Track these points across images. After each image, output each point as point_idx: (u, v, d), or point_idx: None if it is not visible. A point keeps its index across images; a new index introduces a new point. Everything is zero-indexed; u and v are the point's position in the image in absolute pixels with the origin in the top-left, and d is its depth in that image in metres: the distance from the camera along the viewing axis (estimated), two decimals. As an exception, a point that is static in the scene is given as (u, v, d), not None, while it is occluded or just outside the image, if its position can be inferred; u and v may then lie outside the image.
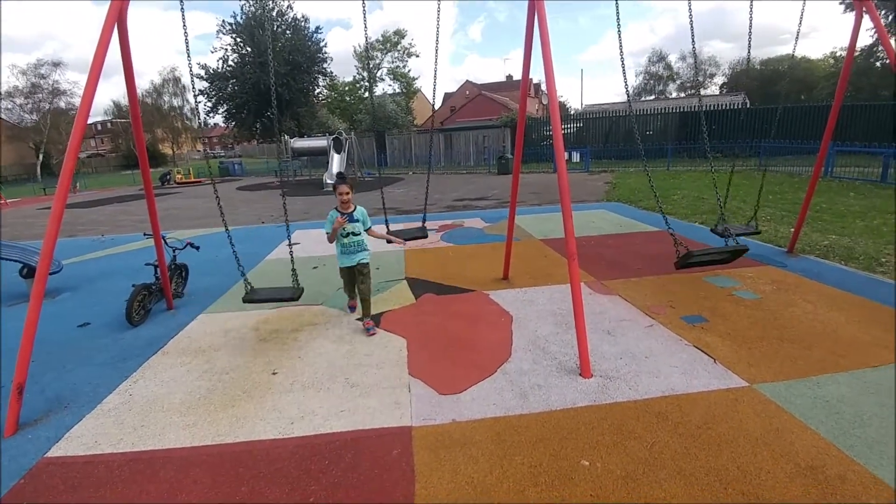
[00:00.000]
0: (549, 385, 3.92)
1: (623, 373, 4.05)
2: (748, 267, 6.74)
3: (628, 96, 5.26)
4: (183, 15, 4.49)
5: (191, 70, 4.96)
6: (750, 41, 5.87)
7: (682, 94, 55.31)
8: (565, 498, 2.71)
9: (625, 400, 3.65)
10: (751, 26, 5.72)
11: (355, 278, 5.19)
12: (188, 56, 4.64)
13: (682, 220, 10.52)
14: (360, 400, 3.84)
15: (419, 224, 5.72)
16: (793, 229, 7.61)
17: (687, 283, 6.22)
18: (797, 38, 6.26)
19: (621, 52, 4.94)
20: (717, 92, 56.06)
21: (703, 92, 56.15)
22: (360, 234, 5.05)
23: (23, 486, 3.05)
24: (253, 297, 4.87)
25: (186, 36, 4.61)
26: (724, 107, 27.89)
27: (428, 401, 3.78)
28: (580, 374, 4.03)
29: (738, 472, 2.84)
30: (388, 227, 5.57)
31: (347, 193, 4.95)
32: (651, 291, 5.98)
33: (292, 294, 4.77)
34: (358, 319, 5.45)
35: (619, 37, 4.86)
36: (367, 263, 5.19)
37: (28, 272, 7.12)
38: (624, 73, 5.06)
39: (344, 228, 4.90)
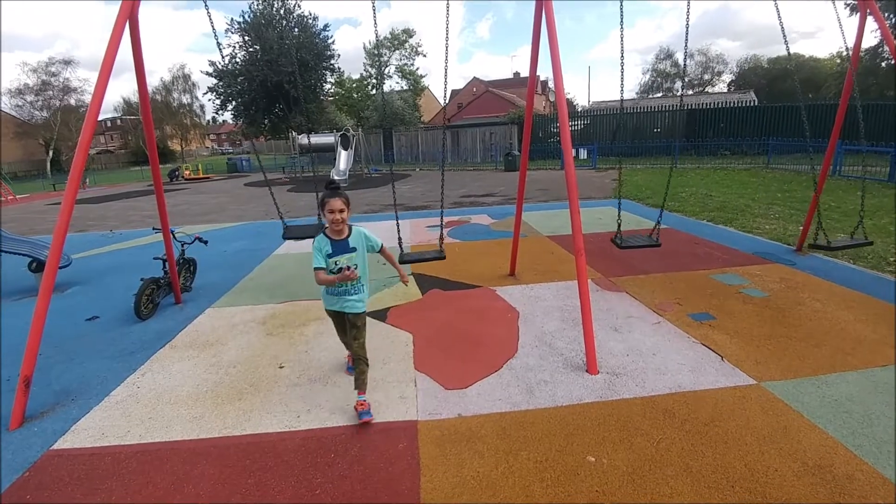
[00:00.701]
0: (555, 381, 3.91)
1: (630, 369, 4.03)
2: (756, 265, 6.71)
3: (622, 101, 5.25)
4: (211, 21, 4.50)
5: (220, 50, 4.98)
6: (786, 40, 5.83)
7: (690, 92, 55.00)
8: (571, 493, 2.71)
9: (631, 396, 3.64)
10: (783, 27, 5.67)
11: (345, 329, 3.77)
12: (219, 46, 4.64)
13: (690, 216, 10.46)
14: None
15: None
16: (801, 227, 7.56)
17: (694, 280, 6.19)
18: (857, 43, 6.24)
19: (622, 59, 4.90)
20: (726, 90, 55.74)
21: (711, 90, 55.90)
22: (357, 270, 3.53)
23: (27, 479, 3.06)
24: (289, 234, 5.82)
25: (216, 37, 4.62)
26: (732, 104, 27.71)
27: (434, 395, 3.79)
28: (587, 371, 4.02)
29: (746, 469, 2.82)
30: (398, 224, 5.49)
31: (342, 211, 3.41)
32: (658, 288, 5.96)
33: (314, 231, 5.35)
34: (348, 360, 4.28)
35: (622, 42, 4.83)
36: (362, 314, 3.66)
37: (37, 266, 7.18)
38: (622, 77, 5.07)
39: (336, 263, 3.46)
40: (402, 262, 5.19)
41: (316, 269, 3.48)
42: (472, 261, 7.69)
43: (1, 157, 44.33)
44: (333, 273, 3.45)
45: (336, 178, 22.48)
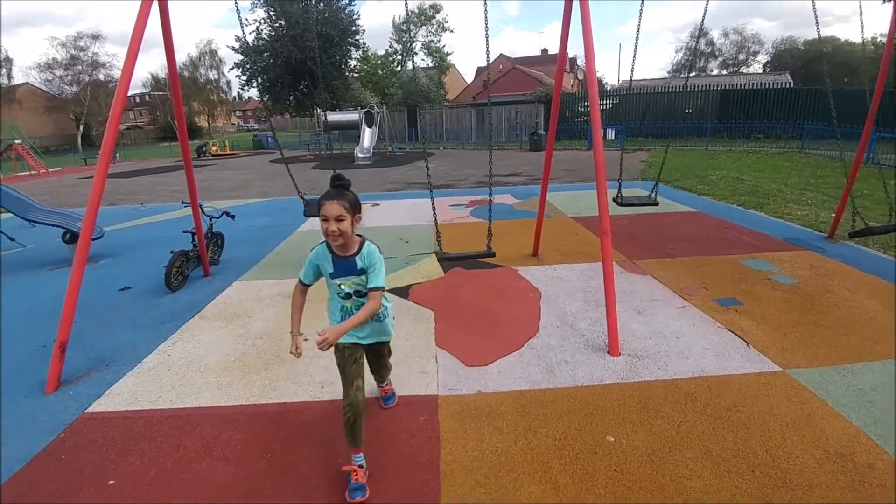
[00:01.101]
0: (576, 361, 3.92)
1: (652, 352, 4.02)
2: (787, 251, 6.58)
3: (630, 81, 5.17)
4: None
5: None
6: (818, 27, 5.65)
7: (724, 72, 53.51)
8: (589, 471, 2.74)
9: (653, 379, 3.63)
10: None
11: (366, 363, 2.95)
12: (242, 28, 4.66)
13: (720, 200, 10.23)
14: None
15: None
16: (834, 214, 7.38)
17: (722, 265, 6.10)
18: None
19: (633, 61, 4.81)
20: (761, 70, 54.09)
21: (746, 70, 54.36)
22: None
23: (63, 440, 3.19)
24: (311, 211, 5.89)
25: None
26: (767, 86, 26.90)
27: (454, 371, 3.83)
28: (608, 352, 4.02)
29: (767, 455, 2.81)
30: (433, 203, 5.44)
31: (339, 220, 2.43)
32: (684, 272, 5.89)
33: None
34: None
35: (636, 44, 4.72)
36: (389, 341, 3.07)
37: (71, 238, 7.38)
38: (632, 71, 5.03)
39: (340, 288, 2.70)
40: (441, 259, 5.12)
41: (301, 282, 2.80)
42: (495, 240, 7.63)
43: (1, 128, 43.73)
44: (341, 297, 2.71)
45: (360, 155, 22.50)
